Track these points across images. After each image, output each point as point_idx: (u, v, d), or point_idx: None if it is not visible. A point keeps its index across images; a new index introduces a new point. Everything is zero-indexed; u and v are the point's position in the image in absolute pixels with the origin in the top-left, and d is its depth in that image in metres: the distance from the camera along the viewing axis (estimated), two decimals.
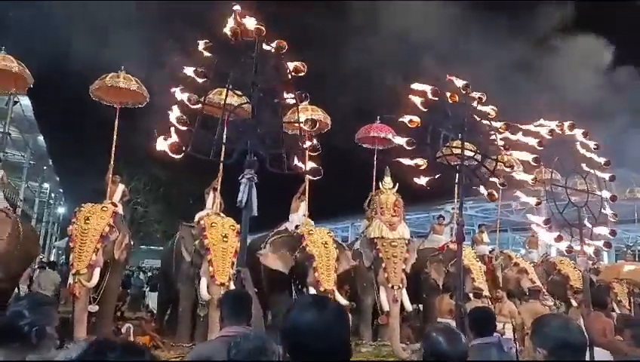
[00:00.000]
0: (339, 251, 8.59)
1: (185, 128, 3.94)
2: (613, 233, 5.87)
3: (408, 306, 8.82)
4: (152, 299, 12.07)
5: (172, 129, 3.90)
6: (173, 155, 3.78)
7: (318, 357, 1.40)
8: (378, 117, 10.97)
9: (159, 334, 8.86)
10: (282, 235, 8.98)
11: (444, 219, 12.39)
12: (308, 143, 4.63)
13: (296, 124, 4.80)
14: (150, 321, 9.21)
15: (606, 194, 5.82)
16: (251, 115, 4.31)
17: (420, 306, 10.80)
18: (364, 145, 11.55)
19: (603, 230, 5.68)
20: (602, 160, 5.69)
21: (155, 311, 10.60)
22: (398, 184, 9.25)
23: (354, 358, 8.72)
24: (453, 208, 13.35)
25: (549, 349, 2.09)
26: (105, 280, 7.96)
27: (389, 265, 8.66)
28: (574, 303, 10.44)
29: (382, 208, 9.19)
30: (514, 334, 8.13)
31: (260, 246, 8.86)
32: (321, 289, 7.91)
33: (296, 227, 8.99)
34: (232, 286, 7.01)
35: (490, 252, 11.73)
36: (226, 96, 4.44)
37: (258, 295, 9.51)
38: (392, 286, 8.54)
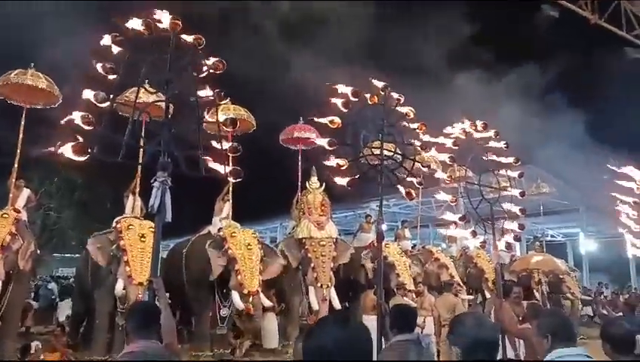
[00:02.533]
0: (267, 253, 8.50)
1: (90, 128, 3.64)
2: (522, 227, 6.21)
3: (337, 304, 8.90)
4: (63, 311, 11.26)
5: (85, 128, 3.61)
6: (77, 158, 3.49)
7: None
8: (301, 117, 11.02)
9: (73, 348, 8.28)
10: (204, 239, 8.75)
11: (371, 218, 12.64)
12: (228, 144, 4.46)
13: (216, 125, 4.61)
14: (61, 335, 8.57)
15: (515, 191, 6.11)
16: (165, 114, 4.07)
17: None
18: (288, 146, 11.52)
19: (513, 224, 5.98)
20: (511, 159, 5.99)
21: (66, 325, 9.90)
22: (324, 184, 9.30)
23: (281, 358, 8.72)
24: (377, 206, 13.66)
25: (462, 347, 2.13)
26: (7, 293, 7.31)
27: (318, 264, 8.71)
28: (488, 294, 11.06)
29: (309, 208, 9.23)
30: (434, 327, 8.46)
31: (182, 251, 8.58)
32: (244, 291, 7.81)
33: (219, 230, 8.77)
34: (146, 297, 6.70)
35: (412, 247, 12.12)
36: (137, 93, 4.17)
37: (181, 299, 9.15)
38: (321, 286, 8.59)
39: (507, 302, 6.46)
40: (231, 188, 9.44)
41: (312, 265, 8.74)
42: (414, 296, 9.31)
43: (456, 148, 5.60)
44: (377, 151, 4.53)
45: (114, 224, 8.24)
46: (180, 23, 4.25)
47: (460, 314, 2.63)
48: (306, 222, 9.10)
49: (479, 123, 5.90)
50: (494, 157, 5.85)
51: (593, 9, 12.64)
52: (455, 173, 9.54)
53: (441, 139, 5.75)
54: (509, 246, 7.22)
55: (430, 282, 10.61)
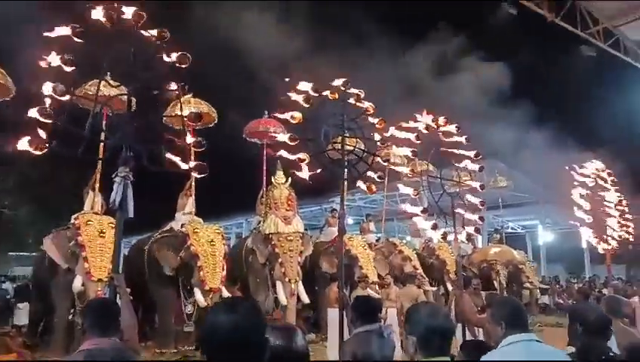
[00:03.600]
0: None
1: (49, 121, 3.59)
2: (481, 219, 6.44)
3: (305, 298, 9.02)
4: (20, 311, 10.94)
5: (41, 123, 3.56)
6: (35, 152, 3.44)
7: (235, 355, 1.48)
8: (266, 111, 11.01)
9: (30, 349, 8.07)
10: (166, 235, 8.70)
11: (337, 212, 12.77)
12: (192, 139, 4.48)
13: (179, 118, 4.61)
14: (17, 336, 8.36)
15: (476, 183, 6.32)
16: (127, 108, 4.05)
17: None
18: (253, 140, 11.51)
19: (474, 216, 6.18)
20: (472, 152, 6.16)
21: (23, 325, 9.64)
22: (290, 178, 9.34)
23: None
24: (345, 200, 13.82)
25: (417, 336, 2.24)
26: None
27: (286, 259, 8.78)
28: (450, 286, 11.40)
29: (276, 203, 9.26)
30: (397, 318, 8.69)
31: (144, 248, 8.51)
32: (206, 288, 7.83)
33: (182, 226, 8.72)
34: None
35: (377, 240, 12.34)
36: (99, 86, 4.13)
37: (144, 297, 9.07)
38: (289, 281, 8.67)
39: (467, 292, 6.72)
40: (194, 184, 9.39)
41: (280, 260, 8.80)
42: (378, 288, 9.52)
43: (419, 142, 5.73)
44: (339, 146, 4.63)
45: (72, 220, 8.09)
46: (143, 15, 4.22)
47: (415, 304, 2.77)
48: (273, 217, 9.14)
49: (441, 118, 6.07)
50: (455, 151, 6.03)
51: (550, 7, 13.10)
52: (417, 167, 9.77)
53: (403, 134, 5.86)
54: (469, 238, 7.46)
55: (395, 274, 10.87)
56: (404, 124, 5.79)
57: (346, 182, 5.02)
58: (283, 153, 4.61)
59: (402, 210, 7.73)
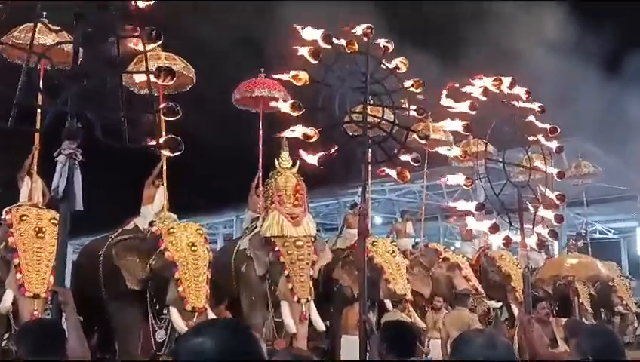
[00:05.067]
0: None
1: None
2: (559, 219, 6.38)
3: (320, 324, 8.96)
4: None
5: None
6: None
7: None
8: (262, 69, 10.94)
9: None
10: (130, 236, 8.73)
11: (358, 208, 12.73)
12: (161, 105, 4.49)
13: (144, 77, 4.62)
14: None
15: (552, 170, 6.26)
16: (73, 61, 4.06)
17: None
18: (244, 108, 11.48)
19: (549, 215, 6.13)
20: (548, 126, 6.09)
21: None
22: (298, 162, 9.30)
23: None
24: (369, 192, 13.78)
25: None
26: None
27: (294, 271, 8.71)
28: (515, 309, 11.33)
29: (280, 195, 9.17)
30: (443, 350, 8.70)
31: (98, 253, 8.55)
32: (187, 308, 7.83)
33: (151, 224, 8.75)
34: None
35: (413, 246, 12.30)
36: (34, 32, 4.14)
37: (99, 318, 9.13)
38: (299, 300, 8.63)
39: (537, 318, 6.68)
40: (165, 167, 9.39)
41: (287, 272, 8.74)
42: (419, 310, 9.53)
43: (474, 113, 5.68)
44: (360, 118, 4.61)
45: (2, 215, 8.14)
46: None
47: (467, 331, 2.75)
48: (276, 214, 9.05)
49: (506, 79, 5.99)
50: (529, 124, 5.99)
51: None
52: (471, 147, 9.68)
53: (451, 102, 5.79)
54: (542, 244, 7.39)
55: (440, 291, 10.83)
56: (454, 88, 5.74)
57: (370, 168, 4.99)
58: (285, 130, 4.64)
59: (450, 207, 7.70)
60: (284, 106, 4.50)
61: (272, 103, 10.29)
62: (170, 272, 8.07)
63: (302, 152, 4.58)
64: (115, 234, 9.01)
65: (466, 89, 5.88)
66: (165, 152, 4.54)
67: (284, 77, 4.58)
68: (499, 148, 6.81)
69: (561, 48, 22.70)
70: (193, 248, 8.22)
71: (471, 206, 6.35)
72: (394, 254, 10.50)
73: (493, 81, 5.89)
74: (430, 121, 9.50)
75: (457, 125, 5.70)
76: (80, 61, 4.14)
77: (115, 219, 9.74)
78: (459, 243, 15.16)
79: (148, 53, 4.59)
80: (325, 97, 4.58)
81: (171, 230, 8.31)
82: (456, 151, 6.52)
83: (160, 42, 4.74)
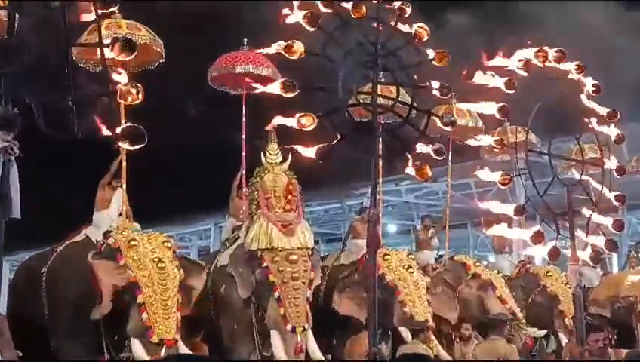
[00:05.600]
0: (188, 273, 8.53)
1: None
2: (619, 225, 6.38)
3: (319, 355, 8.98)
4: None
5: None
6: None
7: None
8: (245, 40, 10.91)
9: None
10: (80, 249, 8.72)
11: (367, 213, 12.70)
12: (121, 81, 4.47)
13: (98, 50, 4.61)
14: None
15: (610, 164, 6.26)
16: (8, 30, 4.06)
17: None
18: (223, 89, 11.44)
19: (606, 221, 6.13)
20: (604, 110, 6.09)
21: None
22: (290, 157, 9.29)
23: None
24: (380, 193, 13.75)
25: None
26: None
27: (287, 293, 8.69)
28: (563, 337, 11.33)
29: (268, 198, 9.16)
30: None
31: (40, 272, 8.54)
32: (154, 340, 7.83)
33: (107, 234, 8.74)
34: None
35: (435, 259, 12.27)
36: None
37: (42, 349, 9.09)
38: (293, 329, 8.62)
39: (591, 349, 6.69)
40: (125, 163, 9.36)
41: (278, 294, 8.74)
42: (444, 338, 9.51)
43: (512, 92, 5.68)
44: (369, 100, 4.61)
45: None
46: None
47: None
48: (264, 222, 9.05)
49: (551, 51, 5.99)
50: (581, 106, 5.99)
51: None
52: (508, 135, 9.64)
53: (484, 79, 5.79)
54: (598, 257, 7.34)
55: (469, 315, 10.80)
56: (487, 62, 5.75)
57: (381, 163, 4.99)
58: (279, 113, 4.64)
59: (482, 209, 7.69)
60: (274, 86, 4.48)
61: (258, 84, 10.36)
62: (131, 295, 8.07)
63: (296, 147, 4.54)
64: (60, 248, 9.01)
65: (502, 63, 5.89)
66: (125, 145, 4.52)
67: (273, 49, 4.54)
68: (543, 137, 6.82)
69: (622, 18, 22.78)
70: (160, 265, 8.21)
71: (508, 209, 6.37)
72: (411, 270, 10.47)
73: (537, 52, 5.90)
74: (455, 102, 9.51)
75: (491, 108, 5.69)
76: (16, 30, 4.14)
77: (61, 229, 9.73)
78: (493, 257, 15.14)
79: (104, 21, 4.59)
80: (326, 74, 4.56)
81: (133, 242, 8.30)
82: (489, 141, 6.46)
83: (117, 6, 4.74)
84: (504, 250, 13.38)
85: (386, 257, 10.24)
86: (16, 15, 4.12)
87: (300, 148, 4.61)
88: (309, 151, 4.55)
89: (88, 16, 4.44)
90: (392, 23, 4.82)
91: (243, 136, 10.96)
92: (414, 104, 4.97)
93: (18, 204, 3.90)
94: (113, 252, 8.31)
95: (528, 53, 5.92)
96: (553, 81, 6.06)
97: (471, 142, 6.38)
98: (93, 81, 4.55)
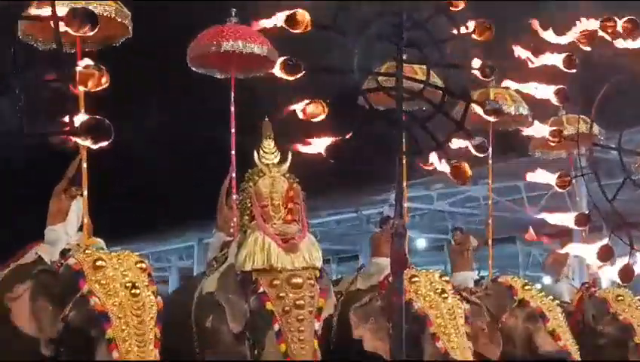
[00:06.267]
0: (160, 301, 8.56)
1: None
2: None
3: None
4: None
5: None
6: None
7: None
8: (233, 11, 10.93)
9: None
10: (28, 271, 8.76)
11: (391, 224, 12.69)
12: (82, 64, 4.50)
13: (52, 25, 4.63)
14: None
15: None
16: None
17: None
18: (207, 72, 11.46)
19: None
20: None
21: None
22: (290, 155, 9.29)
23: None
24: (407, 199, 13.76)
25: None
26: None
27: (290, 325, 8.70)
28: None
29: (264, 206, 9.18)
30: None
31: None
32: None
33: (64, 253, 8.77)
34: None
35: (476, 282, 12.23)
36: None
37: None
38: None
39: None
40: (85, 166, 9.35)
41: (278, 327, 8.75)
42: None
43: (572, 71, 5.68)
44: (392, 83, 4.62)
45: None
46: None
47: None
48: (259, 237, 9.06)
49: (620, 21, 5.97)
50: None
51: None
52: (566, 126, 9.62)
53: (535, 57, 5.80)
54: None
55: (513, 350, 10.81)
56: (542, 34, 5.75)
57: (407, 161, 5.01)
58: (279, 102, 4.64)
59: (534, 218, 7.68)
60: (273, 66, 4.48)
61: (251, 64, 10.39)
62: (98, 328, 8.09)
63: (301, 145, 4.56)
64: (7, 271, 9.04)
65: (557, 38, 5.90)
66: (85, 143, 4.53)
67: (270, 22, 4.55)
68: (611, 129, 6.80)
69: None
70: (133, 291, 8.22)
71: (568, 219, 6.36)
72: (445, 295, 10.47)
73: (603, 21, 5.89)
74: (493, 85, 9.53)
75: (546, 91, 5.69)
76: None
77: (3, 249, 9.79)
78: (548, 278, 15.13)
79: None
80: (337, 52, 4.58)
81: (99, 263, 8.32)
82: (543, 133, 6.44)
83: None
84: (562, 269, 13.38)
85: (414, 279, 10.25)
86: None
87: (303, 144, 4.61)
88: (316, 148, 4.55)
89: None
90: None
91: (232, 131, 10.99)
92: (449, 88, 4.97)
93: None
94: (73, 275, 8.34)
95: (592, 23, 5.91)
96: (623, 57, 6.04)
97: (529, 131, 6.32)
98: (45, 63, 4.56)
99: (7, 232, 9.80)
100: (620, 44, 5.94)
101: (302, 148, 4.68)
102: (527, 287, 11.83)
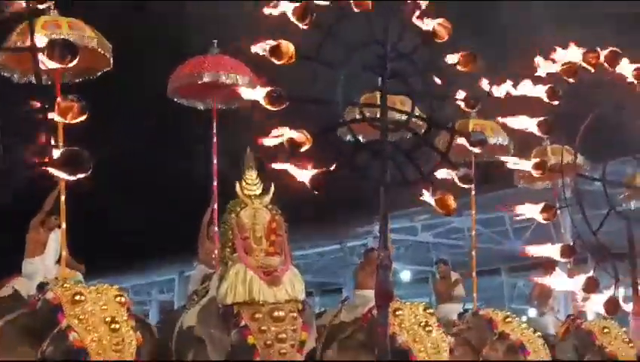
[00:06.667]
0: (143, 335, 8.50)
1: None
2: None
3: None
4: None
5: None
6: None
7: None
8: (215, 42, 10.96)
9: None
10: (4, 305, 8.69)
11: (373, 255, 12.70)
12: (58, 99, 4.49)
13: (30, 54, 4.63)
14: None
15: None
16: None
17: None
18: (190, 103, 11.48)
19: None
20: None
21: None
22: (272, 185, 9.29)
23: None
24: (391, 231, 13.75)
25: None
26: None
27: (272, 358, 8.71)
28: None
29: (246, 238, 9.18)
30: None
31: None
32: None
33: (42, 287, 8.71)
34: None
35: (459, 315, 12.22)
36: None
37: None
38: None
39: None
40: (63, 197, 9.31)
41: (260, 360, 8.74)
42: None
43: (556, 103, 5.72)
44: (376, 114, 4.62)
45: None
46: None
47: None
48: (241, 269, 9.04)
49: (602, 52, 6.04)
50: None
51: None
52: (550, 157, 9.66)
53: (519, 88, 5.83)
54: None
55: None
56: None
57: (383, 193, 5.01)
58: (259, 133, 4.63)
59: (521, 251, 7.71)
60: (256, 95, 4.48)
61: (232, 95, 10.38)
62: None
63: (282, 167, 4.55)
64: None
65: (542, 68, 5.94)
66: (62, 174, 4.51)
67: (256, 49, 4.55)
68: (594, 160, 6.83)
69: None
70: (113, 326, 8.17)
71: (553, 250, 6.37)
72: (429, 328, 10.44)
73: (586, 53, 5.94)
74: (473, 116, 9.58)
75: (528, 122, 5.72)
76: None
77: None
78: (532, 311, 15.14)
79: (39, 20, 4.61)
80: (321, 82, 4.58)
81: (78, 297, 8.27)
82: (526, 165, 6.47)
83: (53, 2, 4.75)
84: (548, 302, 13.39)
85: (397, 312, 10.21)
86: None
87: (290, 172, 4.61)
88: (300, 177, 4.54)
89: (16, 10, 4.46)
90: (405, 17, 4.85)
91: (214, 161, 10.99)
92: (433, 119, 4.99)
93: None
94: (52, 310, 8.28)
95: (573, 53, 5.97)
96: (607, 86, 6.10)
97: (513, 164, 6.35)
98: (23, 95, 4.54)
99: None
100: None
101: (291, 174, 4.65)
102: (508, 319, 11.81)
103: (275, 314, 8.73)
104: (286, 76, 4.79)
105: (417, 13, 4.99)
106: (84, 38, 9.16)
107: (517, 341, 11.21)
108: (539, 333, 11.78)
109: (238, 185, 9.35)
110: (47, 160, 4.20)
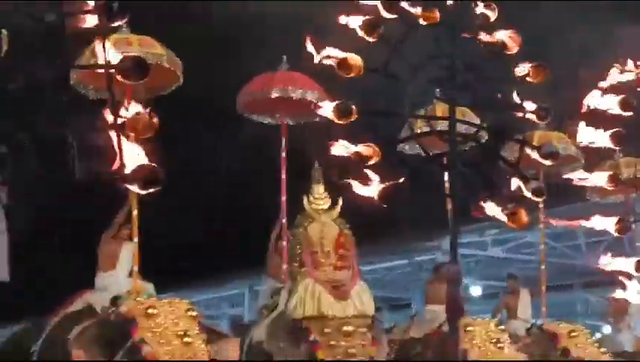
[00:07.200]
0: (215, 341, 8.54)
1: None
2: None
3: None
4: None
5: None
6: None
7: None
8: (284, 57, 10.98)
9: None
10: (79, 322, 8.76)
11: (444, 270, 12.62)
12: (133, 110, 4.54)
13: (104, 71, 4.69)
14: None
15: None
16: None
17: None
18: (259, 118, 11.51)
19: None
20: None
21: None
22: (340, 199, 9.28)
23: None
24: (461, 245, 13.63)
25: None
26: None
27: None
28: None
29: (314, 253, 9.18)
30: None
31: (30, 351, 8.60)
32: None
33: (115, 301, 8.78)
34: None
35: (527, 330, 12.06)
36: None
37: None
38: None
39: None
40: (136, 212, 9.38)
41: None
42: None
43: (629, 114, 5.64)
44: (444, 127, 4.61)
45: None
46: None
47: None
48: (310, 283, 9.05)
49: None
50: None
51: None
52: (622, 170, 9.51)
53: (592, 100, 5.76)
54: None
55: None
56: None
57: (451, 207, 4.98)
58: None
59: (594, 267, 7.60)
60: (325, 110, 4.49)
61: (301, 110, 10.41)
62: None
63: (351, 183, 4.55)
64: (54, 321, 9.05)
65: (614, 77, 5.86)
66: (135, 188, 4.55)
67: (328, 61, 4.56)
68: None
69: None
70: (186, 339, 8.23)
71: (628, 264, 6.25)
72: (500, 345, 10.35)
73: None
74: (542, 128, 9.48)
75: (600, 136, 5.63)
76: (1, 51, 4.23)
77: (51, 297, 9.81)
78: (607, 328, 14.87)
79: (111, 37, 4.65)
80: (389, 95, 4.58)
81: (151, 311, 8.33)
82: (599, 179, 6.35)
83: (125, 20, 4.80)
84: (624, 318, 13.14)
85: (468, 328, 10.13)
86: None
87: (356, 188, 4.60)
88: (368, 191, 4.54)
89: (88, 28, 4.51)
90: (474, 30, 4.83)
91: (283, 176, 11.01)
92: (503, 131, 4.97)
93: (6, 263, 3.95)
94: (125, 323, 8.35)
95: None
96: None
97: (575, 179, 6.27)
98: (97, 110, 4.59)
99: (56, 279, 9.83)
100: None
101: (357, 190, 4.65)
102: (573, 334, 11.63)
103: (344, 328, 8.71)
104: (347, 89, 4.79)
105: (486, 25, 4.96)
106: (156, 55, 9.30)
107: (577, 359, 11.05)
108: (605, 350, 11.61)
109: (305, 199, 9.36)
110: (120, 174, 4.25)
